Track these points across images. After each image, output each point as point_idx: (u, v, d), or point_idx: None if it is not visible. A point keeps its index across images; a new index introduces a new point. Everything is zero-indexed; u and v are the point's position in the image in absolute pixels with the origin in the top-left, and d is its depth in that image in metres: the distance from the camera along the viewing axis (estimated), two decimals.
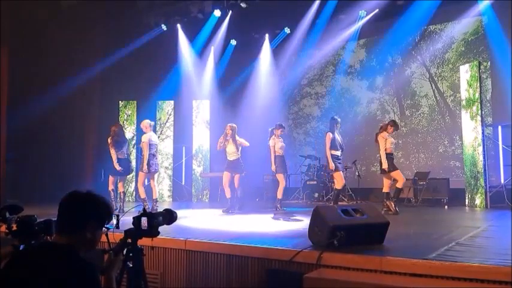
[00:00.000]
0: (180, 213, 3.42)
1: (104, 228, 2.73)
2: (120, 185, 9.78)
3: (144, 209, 3.15)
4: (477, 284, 3.49)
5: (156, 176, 9.92)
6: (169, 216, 3.25)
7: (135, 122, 13.89)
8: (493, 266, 3.58)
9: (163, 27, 14.45)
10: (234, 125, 9.93)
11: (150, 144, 9.38)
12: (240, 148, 9.90)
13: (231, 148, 9.82)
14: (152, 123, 9.76)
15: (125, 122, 13.78)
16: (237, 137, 9.88)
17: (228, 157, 9.90)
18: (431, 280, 3.66)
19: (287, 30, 14.53)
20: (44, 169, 12.51)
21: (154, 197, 9.48)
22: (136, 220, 3.05)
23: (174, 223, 3.34)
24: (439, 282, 3.63)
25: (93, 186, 11.45)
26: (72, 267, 2.31)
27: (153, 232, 3.09)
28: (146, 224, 3.05)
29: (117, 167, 9.39)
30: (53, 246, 2.51)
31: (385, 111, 13.97)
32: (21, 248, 3.04)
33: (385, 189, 9.18)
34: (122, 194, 9.71)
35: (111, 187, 9.68)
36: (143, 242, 3.08)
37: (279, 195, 9.79)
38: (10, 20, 11.62)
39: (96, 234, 2.61)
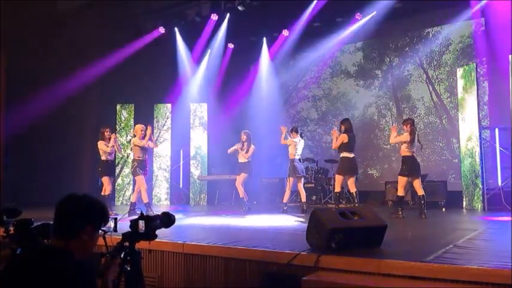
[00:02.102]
0: (177, 216, 3.41)
1: (101, 232, 2.73)
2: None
3: (141, 212, 3.15)
4: (475, 286, 3.49)
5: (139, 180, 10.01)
6: (167, 220, 3.24)
7: (133, 125, 13.88)
8: (491, 268, 3.59)
9: (161, 30, 14.44)
10: (248, 132, 10.94)
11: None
12: (249, 152, 10.76)
13: (242, 152, 10.78)
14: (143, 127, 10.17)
15: (121, 124, 13.80)
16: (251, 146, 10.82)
17: (239, 159, 10.90)
18: (429, 282, 3.66)
19: (285, 33, 14.53)
20: (41, 172, 12.47)
21: (144, 202, 9.79)
22: (134, 223, 3.05)
23: (173, 226, 3.33)
24: (437, 284, 3.63)
25: (91, 190, 11.44)
26: (69, 270, 2.31)
27: (150, 235, 3.08)
28: (143, 227, 3.05)
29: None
30: (50, 249, 2.50)
31: (382, 114, 13.98)
32: (18, 252, 3.04)
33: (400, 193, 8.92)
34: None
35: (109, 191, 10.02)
36: (141, 245, 3.08)
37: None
38: (8, 23, 11.61)
39: (93, 237, 2.60)
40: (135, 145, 9.91)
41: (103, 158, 10.07)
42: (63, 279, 2.27)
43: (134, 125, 13.48)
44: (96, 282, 2.45)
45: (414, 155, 8.94)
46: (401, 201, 8.93)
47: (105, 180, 10.02)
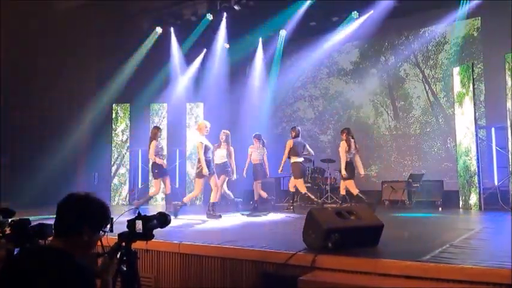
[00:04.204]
0: (173, 216, 3.41)
1: (101, 232, 2.71)
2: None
3: (138, 212, 3.13)
4: (471, 285, 3.49)
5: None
6: (164, 220, 3.24)
7: (129, 124, 13.89)
8: (487, 268, 3.59)
9: (159, 30, 14.43)
10: (228, 132, 10.18)
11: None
12: (229, 154, 9.99)
13: (220, 152, 9.97)
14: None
15: (117, 124, 13.81)
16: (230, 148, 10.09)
17: (216, 160, 9.96)
18: (425, 282, 3.66)
19: (282, 32, 14.53)
20: (36, 173, 12.45)
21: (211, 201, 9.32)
22: (131, 223, 3.04)
23: (169, 226, 3.32)
24: (433, 284, 3.63)
25: (86, 190, 11.40)
26: (67, 271, 2.30)
27: (148, 235, 3.07)
28: (141, 227, 3.03)
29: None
30: (49, 250, 2.48)
31: (378, 113, 13.99)
32: (15, 252, 3.02)
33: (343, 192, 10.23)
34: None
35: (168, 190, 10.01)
36: (137, 245, 3.07)
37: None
38: (4, 22, 11.58)
39: (93, 238, 2.59)
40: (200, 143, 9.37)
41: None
42: (61, 279, 2.26)
43: (131, 125, 13.57)
44: (95, 283, 2.44)
45: (351, 159, 10.01)
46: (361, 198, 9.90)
47: (159, 181, 9.82)
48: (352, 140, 9.96)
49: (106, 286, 2.70)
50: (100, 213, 2.62)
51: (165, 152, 10.05)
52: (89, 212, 2.56)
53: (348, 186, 9.95)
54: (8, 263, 2.50)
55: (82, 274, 2.33)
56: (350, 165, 9.92)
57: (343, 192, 10.20)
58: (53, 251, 2.43)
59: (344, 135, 9.94)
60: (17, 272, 2.33)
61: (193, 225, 7.75)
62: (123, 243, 3.00)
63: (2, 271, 2.40)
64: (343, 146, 9.86)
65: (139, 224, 3.04)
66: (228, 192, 10.33)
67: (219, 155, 9.96)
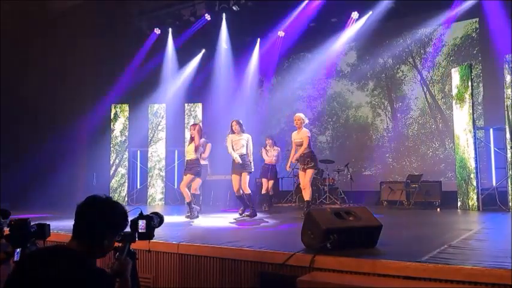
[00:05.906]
0: (172, 216, 3.41)
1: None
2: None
3: (141, 212, 3.14)
4: (470, 286, 3.50)
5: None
6: (160, 219, 3.26)
7: (127, 125, 13.88)
8: (486, 268, 3.59)
9: (157, 31, 14.44)
10: (198, 125, 9.47)
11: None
12: (199, 150, 9.16)
13: (190, 148, 9.26)
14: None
15: (115, 124, 13.82)
16: (203, 142, 9.40)
17: (186, 156, 9.44)
18: (424, 282, 3.67)
19: (280, 33, 14.54)
20: (35, 173, 12.43)
21: (306, 199, 8.77)
22: (134, 223, 3.04)
23: (168, 226, 3.33)
24: (432, 284, 3.64)
25: (85, 191, 11.40)
26: (84, 273, 2.30)
27: (151, 235, 3.09)
28: (144, 227, 3.04)
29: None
30: (67, 252, 2.47)
31: (376, 114, 14.00)
32: (16, 252, 3.01)
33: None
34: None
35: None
36: (136, 245, 3.07)
37: None
38: (5, 22, 11.58)
39: (113, 242, 2.60)
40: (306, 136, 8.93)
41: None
42: (77, 280, 2.26)
43: (129, 125, 13.53)
44: (112, 284, 2.44)
45: None
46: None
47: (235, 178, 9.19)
48: None
49: (125, 283, 2.70)
50: (122, 218, 2.63)
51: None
52: (112, 216, 2.57)
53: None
54: (18, 264, 2.50)
55: (100, 276, 2.34)
56: None
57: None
58: (70, 253, 2.43)
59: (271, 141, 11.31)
60: (30, 274, 2.32)
61: (192, 226, 7.76)
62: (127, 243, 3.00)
63: (14, 273, 2.39)
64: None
65: (142, 224, 3.05)
66: (188, 192, 9.24)
67: (187, 151, 9.35)
